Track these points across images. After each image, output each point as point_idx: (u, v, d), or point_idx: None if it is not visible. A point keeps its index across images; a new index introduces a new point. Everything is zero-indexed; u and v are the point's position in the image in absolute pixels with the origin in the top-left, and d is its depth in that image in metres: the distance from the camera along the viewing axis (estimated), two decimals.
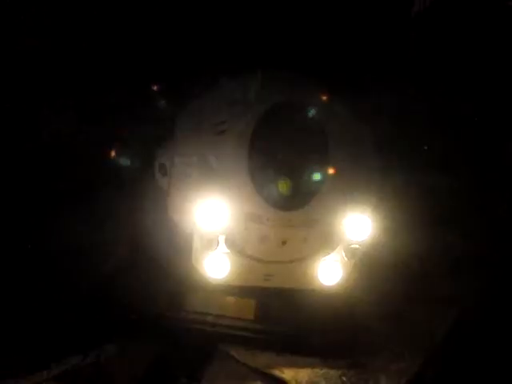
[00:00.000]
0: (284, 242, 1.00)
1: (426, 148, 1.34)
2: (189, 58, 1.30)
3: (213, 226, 0.98)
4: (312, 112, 0.97)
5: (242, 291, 1.20)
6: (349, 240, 1.03)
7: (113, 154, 1.25)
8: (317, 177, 0.95)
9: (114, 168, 1.24)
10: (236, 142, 0.97)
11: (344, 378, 1.11)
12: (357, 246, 1.03)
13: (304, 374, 1.12)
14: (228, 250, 1.03)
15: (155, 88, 1.30)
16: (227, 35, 1.28)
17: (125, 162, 1.25)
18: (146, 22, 1.29)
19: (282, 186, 0.93)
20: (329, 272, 1.08)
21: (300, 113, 0.97)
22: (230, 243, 1.02)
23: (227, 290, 1.18)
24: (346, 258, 1.05)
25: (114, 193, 1.26)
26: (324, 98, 1.04)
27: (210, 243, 1.01)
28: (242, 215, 0.97)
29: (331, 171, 0.96)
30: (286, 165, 0.94)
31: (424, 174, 1.27)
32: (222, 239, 1.02)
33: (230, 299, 1.22)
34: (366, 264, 1.11)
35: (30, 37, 1.23)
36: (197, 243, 1.03)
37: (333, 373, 1.12)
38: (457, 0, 1.34)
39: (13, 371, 1.04)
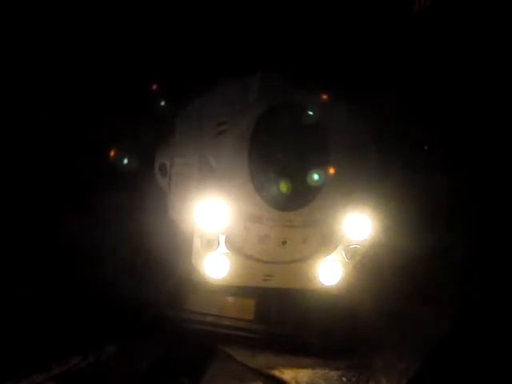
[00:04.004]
0: (284, 243, 1.00)
1: (426, 148, 1.34)
2: (189, 58, 1.29)
3: (213, 226, 0.97)
4: (312, 112, 0.97)
5: (242, 291, 1.20)
6: (349, 240, 1.03)
7: (113, 154, 1.25)
8: (317, 177, 0.95)
9: (114, 168, 1.24)
10: (236, 142, 0.97)
11: (344, 379, 1.11)
12: (357, 246, 1.03)
13: (304, 374, 1.12)
14: (228, 250, 1.03)
15: (155, 88, 1.30)
16: (227, 35, 1.27)
17: (125, 162, 1.24)
18: (145, 21, 1.29)
19: (283, 187, 0.93)
20: (329, 272, 1.08)
21: (300, 113, 0.96)
22: (230, 243, 1.02)
23: (227, 290, 1.18)
24: (346, 259, 1.05)
25: (114, 193, 1.26)
26: (324, 98, 1.04)
27: (210, 243, 1.01)
28: (242, 215, 0.97)
29: (331, 171, 0.96)
30: (286, 165, 0.94)
31: (424, 174, 1.27)
32: (222, 239, 1.02)
33: (230, 299, 1.22)
34: (366, 264, 1.11)
35: (30, 36, 1.22)
36: (197, 243, 1.03)
37: (333, 373, 1.12)
38: None
39: (13, 371, 1.04)
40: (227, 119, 1.00)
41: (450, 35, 1.31)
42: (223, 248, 1.03)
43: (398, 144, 1.26)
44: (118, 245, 1.25)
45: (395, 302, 1.21)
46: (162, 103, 1.28)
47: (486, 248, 1.26)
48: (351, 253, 1.04)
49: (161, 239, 1.19)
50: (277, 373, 1.11)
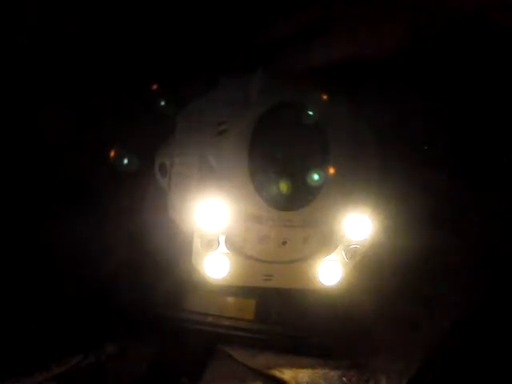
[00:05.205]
0: (284, 243, 0.99)
1: (426, 148, 1.33)
2: (189, 57, 1.29)
3: (213, 226, 0.97)
4: (312, 112, 0.96)
5: (242, 291, 1.20)
6: (349, 240, 1.02)
7: (113, 154, 1.25)
8: (317, 177, 0.95)
9: (113, 168, 1.24)
10: (236, 141, 0.96)
11: (344, 379, 1.11)
12: (357, 246, 1.03)
13: (304, 374, 1.12)
14: (228, 250, 1.03)
15: (155, 88, 1.30)
16: (228, 35, 1.27)
17: (125, 162, 1.24)
18: (145, 21, 1.29)
19: (283, 187, 0.93)
20: (329, 272, 1.08)
21: (300, 113, 0.96)
22: (230, 243, 1.02)
23: (227, 290, 1.18)
24: (346, 259, 1.05)
25: (113, 193, 1.26)
26: (324, 97, 1.04)
27: (210, 243, 1.00)
28: (242, 215, 0.96)
29: (332, 171, 0.96)
30: (287, 165, 0.94)
31: (424, 174, 1.27)
32: (222, 239, 1.01)
33: (230, 299, 1.22)
34: (367, 264, 1.11)
35: (29, 36, 1.22)
36: (197, 243, 1.03)
37: (333, 373, 1.12)
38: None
39: (13, 371, 1.04)
40: (227, 119, 1.00)
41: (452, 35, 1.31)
42: (223, 248, 1.03)
43: (398, 144, 1.25)
44: (117, 245, 1.25)
45: (395, 302, 1.21)
46: (162, 103, 1.28)
47: (485, 248, 1.26)
48: (351, 253, 1.04)
49: (161, 239, 1.19)
50: (277, 373, 1.11)
